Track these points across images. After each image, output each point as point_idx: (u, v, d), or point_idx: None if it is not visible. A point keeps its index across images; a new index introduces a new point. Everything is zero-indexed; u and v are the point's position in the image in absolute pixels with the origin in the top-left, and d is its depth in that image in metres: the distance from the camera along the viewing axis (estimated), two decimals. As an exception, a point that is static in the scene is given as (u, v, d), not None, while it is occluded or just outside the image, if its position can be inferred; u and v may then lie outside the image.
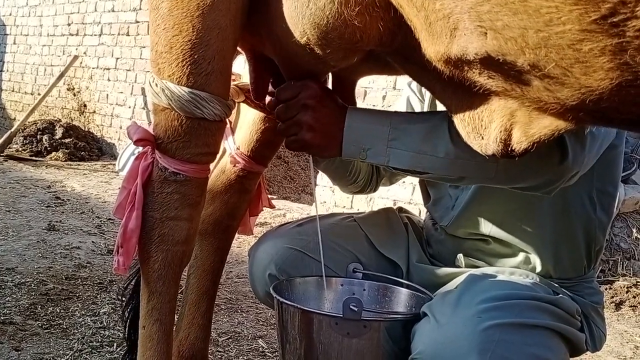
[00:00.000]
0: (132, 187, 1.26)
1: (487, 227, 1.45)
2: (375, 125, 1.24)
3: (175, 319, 1.44)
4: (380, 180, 1.71)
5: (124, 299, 1.69)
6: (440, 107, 1.25)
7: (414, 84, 1.67)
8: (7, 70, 9.17)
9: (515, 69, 0.80)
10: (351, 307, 1.21)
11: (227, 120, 1.33)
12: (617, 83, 0.69)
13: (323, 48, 1.12)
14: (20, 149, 6.95)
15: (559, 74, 0.74)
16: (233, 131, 1.65)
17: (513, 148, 0.98)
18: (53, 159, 6.85)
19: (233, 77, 1.42)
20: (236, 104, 1.57)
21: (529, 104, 0.90)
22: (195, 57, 1.20)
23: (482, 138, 1.02)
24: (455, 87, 1.00)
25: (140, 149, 1.30)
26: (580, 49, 0.68)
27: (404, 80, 1.58)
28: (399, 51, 1.09)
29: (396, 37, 1.04)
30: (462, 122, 1.05)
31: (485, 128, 1.00)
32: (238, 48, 1.41)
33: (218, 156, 1.56)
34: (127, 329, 1.64)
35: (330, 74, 1.43)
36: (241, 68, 1.64)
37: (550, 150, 1.14)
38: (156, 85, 1.23)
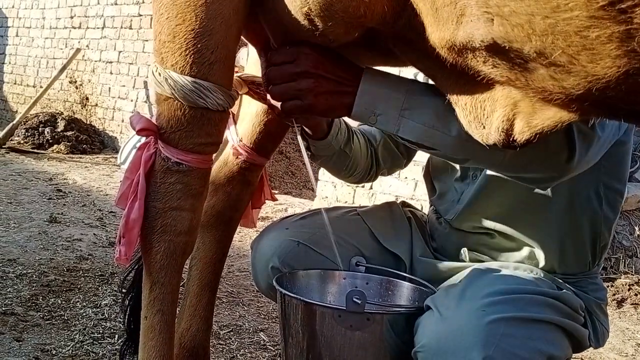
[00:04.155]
0: (135, 177, 1.26)
1: (492, 221, 1.44)
2: (391, 91, 1.19)
3: (177, 311, 1.43)
4: (379, 171, 1.70)
5: (124, 289, 1.69)
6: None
7: (420, 77, 1.66)
8: (10, 63, 9.17)
9: (520, 57, 0.79)
10: (354, 299, 1.20)
11: (230, 111, 1.32)
12: (624, 71, 0.68)
13: (325, 20, 1.09)
14: (22, 142, 6.97)
15: (565, 62, 0.73)
16: (236, 123, 1.64)
17: (515, 138, 0.97)
18: (55, 151, 6.86)
19: (236, 68, 1.41)
20: (239, 96, 1.56)
21: (533, 94, 0.88)
22: (199, 46, 1.19)
23: (484, 127, 1.01)
24: (457, 75, 0.99)
25: (142, 139, 1.29)
26: (587, 35, 0.67)
27: (409, 73, 1.55)
28: (401, 35, 1.07)
29: (399, 18, 1.02)
30: (464, 110, 1.04)
31: (487, 117, 0.99)
32: (247, 40, 1.40)
33: (220, 147, 1.55)
34: (126, 317, 1.64)
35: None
36: (244, 60, 1.63)
37: (560, 146, 1.13)
38: (159, 74, 1.23)
